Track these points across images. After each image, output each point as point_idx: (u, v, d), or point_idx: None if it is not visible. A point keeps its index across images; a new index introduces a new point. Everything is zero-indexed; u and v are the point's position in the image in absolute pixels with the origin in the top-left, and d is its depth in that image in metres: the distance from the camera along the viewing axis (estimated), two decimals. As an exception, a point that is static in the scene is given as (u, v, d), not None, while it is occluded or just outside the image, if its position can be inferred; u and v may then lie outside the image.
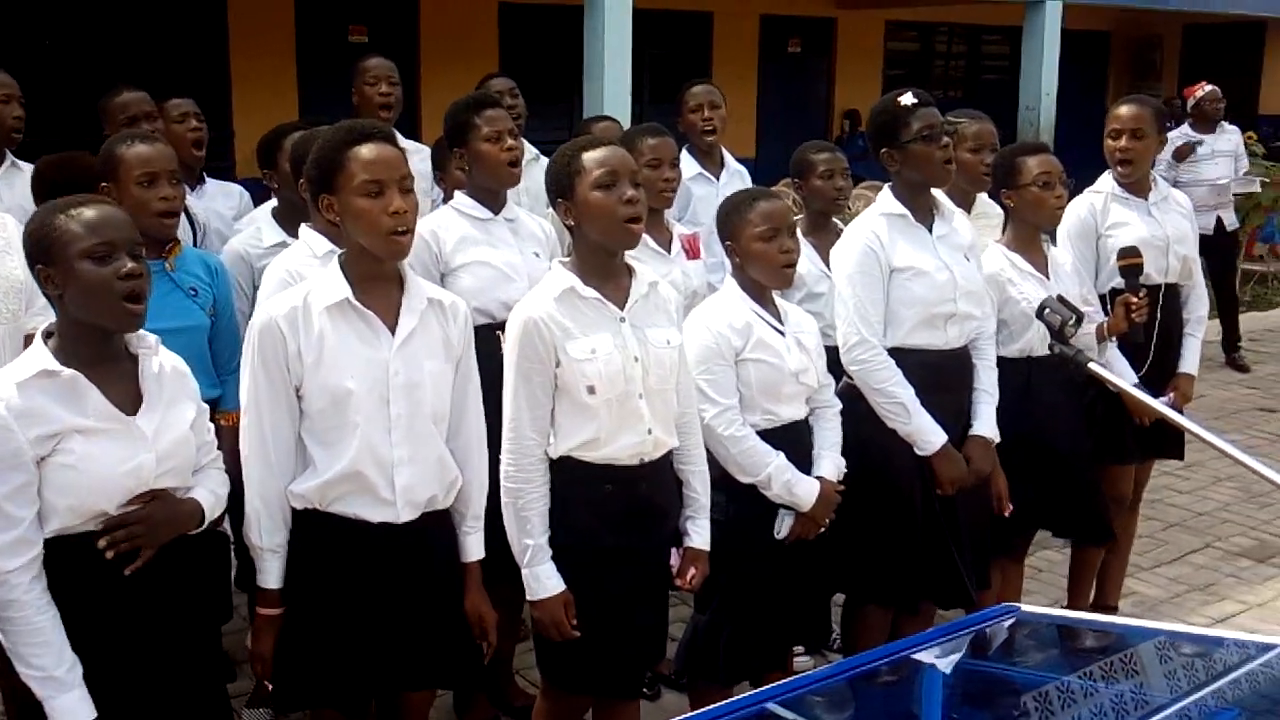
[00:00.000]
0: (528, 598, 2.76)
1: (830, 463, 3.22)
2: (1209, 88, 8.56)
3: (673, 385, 2.83)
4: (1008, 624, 2.00)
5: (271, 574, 2.57)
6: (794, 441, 3.17)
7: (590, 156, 2.73)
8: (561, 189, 2.76)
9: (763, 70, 13.82)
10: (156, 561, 2.31)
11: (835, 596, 3.73)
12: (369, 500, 2.53)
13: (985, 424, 3.53)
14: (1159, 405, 2.54)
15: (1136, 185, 4.11)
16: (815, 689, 1.75)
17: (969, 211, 4.07)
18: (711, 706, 1.71)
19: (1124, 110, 4.10)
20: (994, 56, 15.98)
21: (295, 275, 3.06)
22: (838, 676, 1.84)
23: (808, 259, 3.76)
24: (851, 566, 3.45)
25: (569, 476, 2.75)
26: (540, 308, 2.71)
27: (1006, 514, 3.63)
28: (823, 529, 3.21)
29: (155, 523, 2.30)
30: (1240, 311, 9.04)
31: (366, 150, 2.46)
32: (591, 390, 2.69)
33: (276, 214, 3.72)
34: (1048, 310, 2.23)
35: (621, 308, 2.76)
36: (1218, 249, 8.52)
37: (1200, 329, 4.26)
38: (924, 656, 1.84)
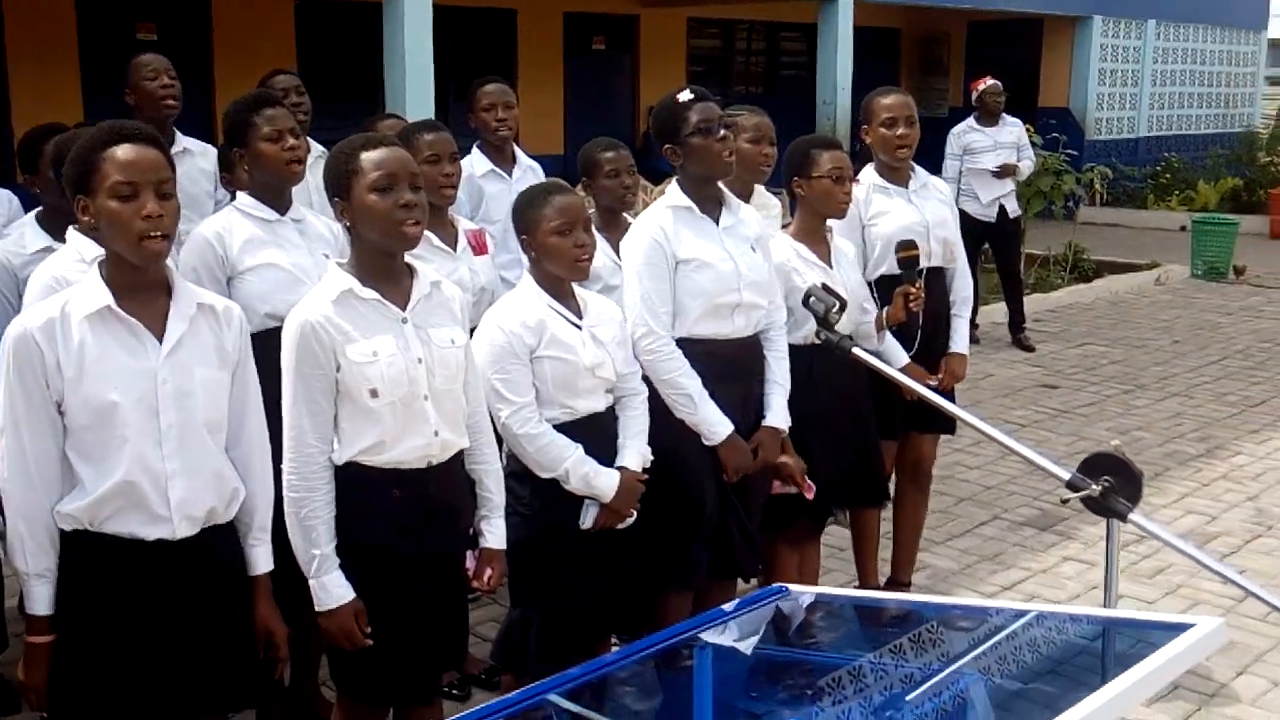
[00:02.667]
0: (316, 609, 2.69)
1: (634, 452, 3.25)
2: (991, 82, 8.96)
3: (460, 385, 2.81)
4: (778, 603, 2.06)
5: (40, 600, 2.44)
6: (596, 433, 3.19)
7: (368, 157, 2.67)
8: (338, 189, 2.70)
9: (568, 67, 13.86)
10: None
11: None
12: (142, 517, 2.42)
13: (777, 415, 3.62)
14: (919, 387, 2.65)
15: (898, 174, 4.28)
16: (592, 677, 1.78)
17: (748, 201, 4.18)
18: (493, 700, 1.71)
19: (895, 99, 4.23)
20: (792, 53, 16.41)
21: (62, 282, 2.93)
22: (614, 664, 1.86)
23: (601, 252, 3.79)
24: (649, 554, 3.50)
25: (355, 482, 2.70)
26: (317, 310, 2.65)
27: (810, 496, 3.74)
28: (628, 518, 3.24)
29: None
30: (1024, 294, 9.53)
31: (122, 151, 2.36)
32: (374, 393, 2.64)
33: (41, 219, 3.56)
34: (813, 298, 2.31)
35: (403, 309, 2.72)
36: (1002, 235, 8.98)
37: (966, 309, 4.46)
38: (696, 638, 1.89)
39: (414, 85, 8.75)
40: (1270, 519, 5.58)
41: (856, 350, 2.27)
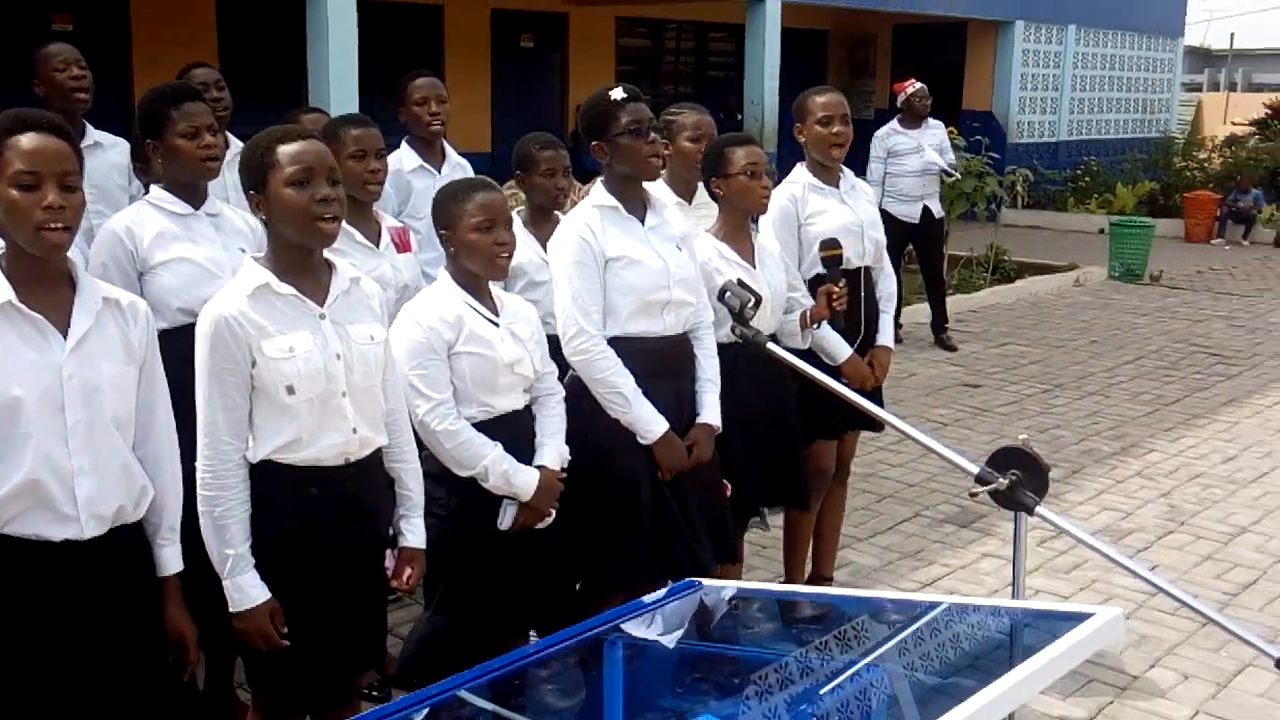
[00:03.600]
0: (230, 609, 2.64)
1: (552, 451, 3.23)
2: (917, 85, 9.05)
3: (379, 382, 2.78)
4: (692, 597, 2.07)
5: None
6: (514, 431, 3.17)
7: (285, 151, 2.62)
8: (253, 182, 2.64)
9: (496, 65, 13.80)
10: None
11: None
12: (48, 516, 2.35)
13: (710, 412, 3.62)
14: (834, 383, 2.66)
15: (829, 174, 4.30)
16: (504, 672, 1.77)
17: (690, 200, 4.18)
18: (403, 697, 1.69)
19: (830, 98, 4.22)
20: (721, 53, 16.51)
21: None
22: (526, 658, 1.85)
23: (529, 248, 3.78)
24: (586, 556, 3.49)
25: (270, 480, 2.65)
26: (232, 305, 2.60)
27: (727, 495, 3.75)
28: (548, 517, 3.22)
29: None
30: (947, 295, 9.66)
31: (26, 140, 2.29)
32: (291, 390, 2.60)
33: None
34: (728, 294, 2.32)
35: (321, 304, 2.68)
36: (926, 236, 9.09)
37: (891, 305, 4.52)
38: (608, 633, 1.89)
39: (338, 80, 8.66)
40: (1182, 515, 5.72)
41: (771, 346, 2.29)
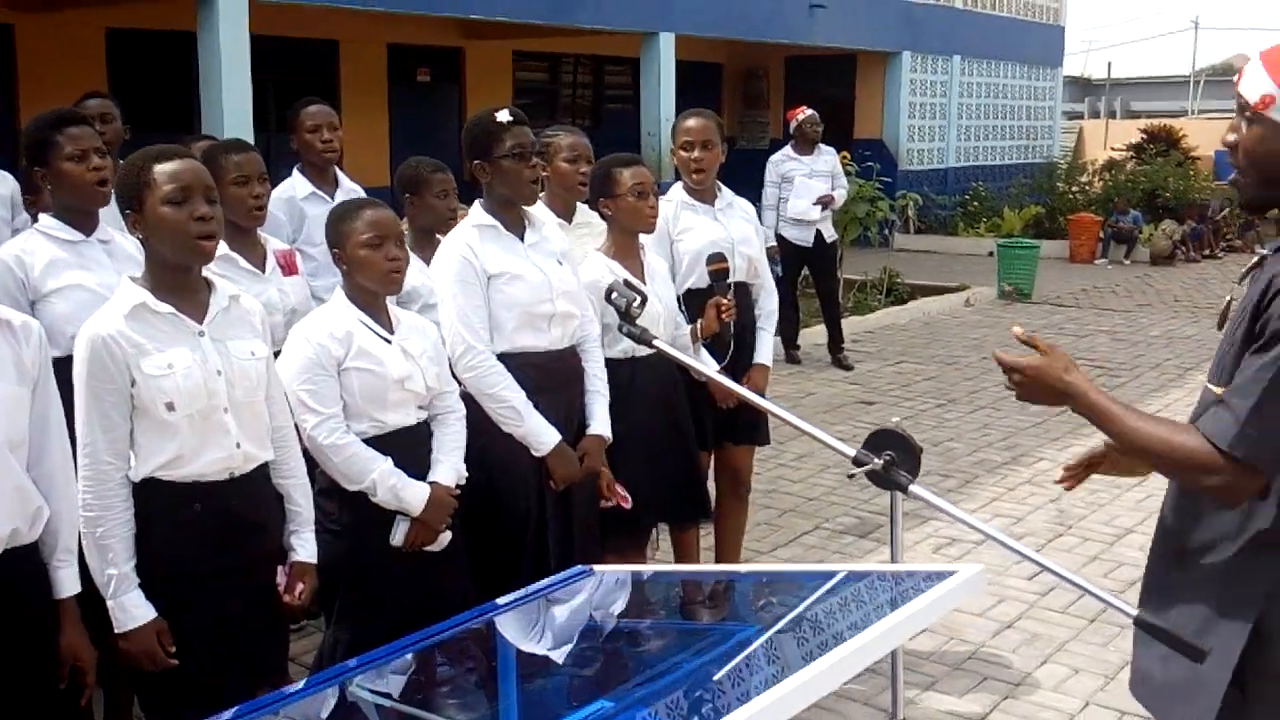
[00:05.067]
0: (115, 630, 2.60)
1: (447, 467, 3.23)
2: (809, 112, 9.25)
3: (262, 397, 2.77)
4: (582, 581, 2.11)
5: None
6: (408, 447, 3.17)
7: (161, 170, 2.61)
8: (129, 201, 2.63)
9: (393, 99, 13.80)
10: None
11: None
12: None
13: (600, 423, 3.67)
14: (739, 388, 2.72)
15: (704, 192, 4.43)
16: (391, 661, 1.78)
17: (570, 220, 4.24)
18: (289, 686, 1.70)
19: (695, 123, 4.39)
20: (618, 86, 16.69)
21: None
22: (419, 644, 1.87)
23: (422, 273, 3.80)
24: (484, 570, 3.49)
25: (154, 498, 2.63)
26: (109, 325, 2.58)
27: (626, 505, 3.79)
28: (441, 535, 3.23)
29: None
30: (843, 316, 9.86)
31: None
32: (171, 407, 2.59)
33: None
34: (614, 294, 2.37)
35: (200, 322, 2.67)
36: (820, 260, 9.28)
37: (771, 323, 4.61)
38: (500, 618, 1.92)
39: (232, 114, 8.60)
40: (1070, 519, 5.90)
41: (657, 343, 2.35)
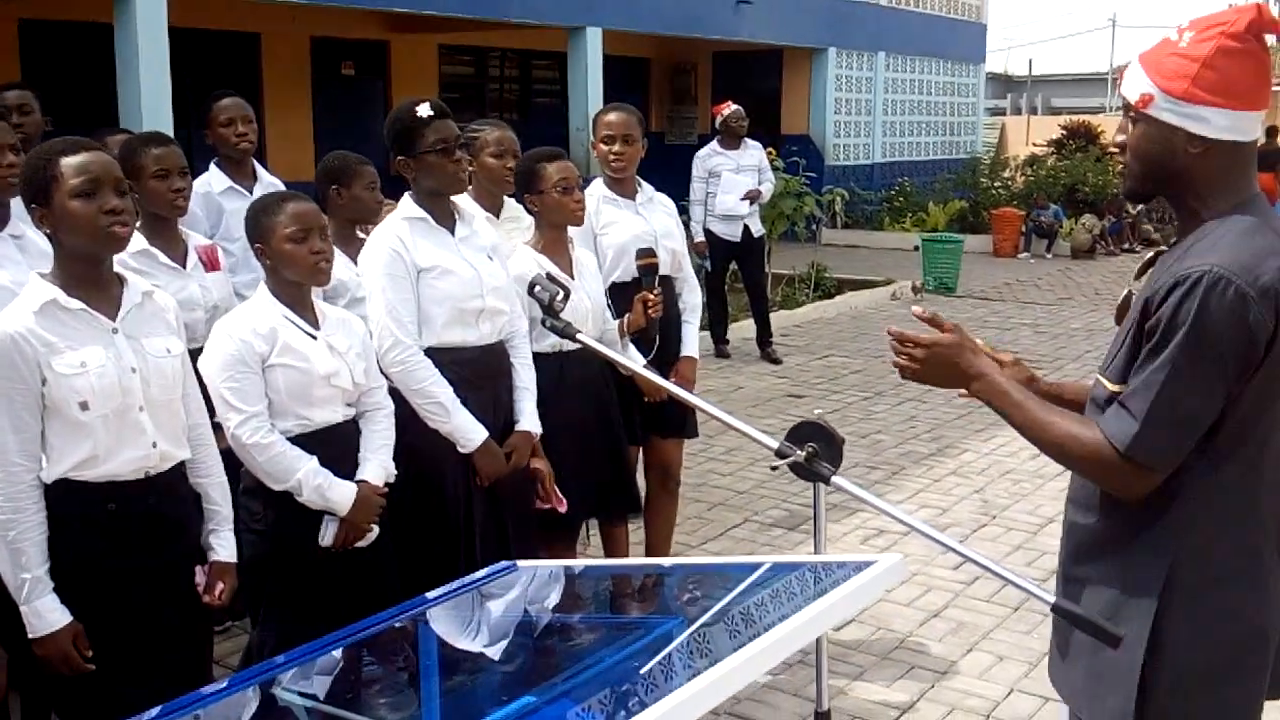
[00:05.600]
0: (29, 635, 2.53)
1: (375, 465, 3.20)
2: (734, 107, 9.29)
3: (178, 395, 2.72)
4: (507, 577, 2.10)
5: None
6: (335, 445, 3.13)
7: (69, 163, 2.55)
8: (36, 196, 2.56)
9: (317, 93, 13.61)
10: None
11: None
12: None
13: (528, 419, 3.66)
14: (664, 382, 2.72)
15: (625, 187, 4.44)
16: (320, 660, 1.76)
17: (498, 215, 4.22)
18: (210, 686, 1.67)
19: (615, 117, 4.40)
20: (545, 80, 16.63)
21: None
22: (344, 641, 1.85)
23: (348, 268, 3.75)
24: (413, 569, 3.46)
25: (67, 499, 2.57)
26: (18, 322, 2.51)
27: (562, 509, 3.77)
28: (369, 534, 3.19)
29: None
30: (771, 310, 9.93)
31: None
32: (85, 406, 2.53)
33: None
34: (537, 287, 2.36)
35: (113, 319, 2.61)
36: (748, 254, 9.33)
37: (696, 316, 4.63)
38: (425, 614, 1.90)
39: (151, 108, 8.44)
40: (994, 509, 5.99)
41: (580, 336, 2.34)
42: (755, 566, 1.95)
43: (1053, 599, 1.82)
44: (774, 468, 2.00)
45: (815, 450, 1.98)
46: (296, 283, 3.10)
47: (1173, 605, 2.00)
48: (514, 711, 1.57)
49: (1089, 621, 1.77)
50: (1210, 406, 1.93)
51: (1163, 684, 2.00)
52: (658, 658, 1.50)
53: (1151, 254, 2.19)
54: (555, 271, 3.83)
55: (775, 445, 2.00)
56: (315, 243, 3.07)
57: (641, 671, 1.47)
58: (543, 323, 2.38)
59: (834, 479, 1.96)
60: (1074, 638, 2.11)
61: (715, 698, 1.27)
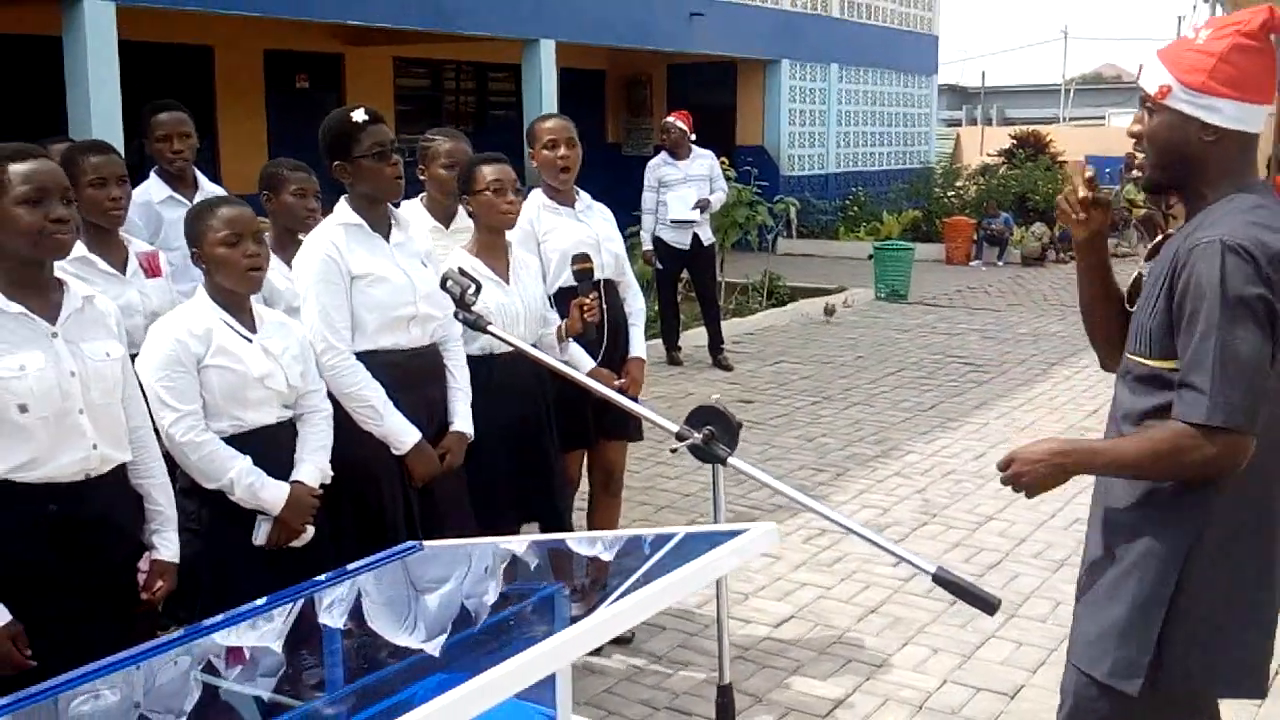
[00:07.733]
0: (-33, 638, 2.58)
1: (310, 467, 3.25)
2: (669, 119, 9.46)
3: (119, 398, 2.77)
4: (411, 557, 2.17)
5: None
6: (269, 446, 3.18)
7: (16, 170, 2.60)
8: None
9: (271, 105, 13.61)
10: None
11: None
12: None
13: (462, 420, 3.72)
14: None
15: (563, 195, 4.47)
16: (210, 636, 1.81)
17: (448, 225, 4.27)
18: (106, 659, 1.72)
19: (555, 123, 4.43)
20: (501, 92, 16.70)
21: None
22: (247, 616, 1.91)
23: (285, 276, 3.80)
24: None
25: (8, 500, 2.60)
26: None
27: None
28: (303, 534, 3.24)
29: None
30: (724, 318, 10.03)
31: None
32: (24, 409, 2.57)
33: None
34: (449, 281, 2.43)
35: (53, 323, 2.66)
36: (698, 262, 9.44)
37: (640, 319, 4.69)
38: (329, 592, 1.97)
39: (100, 121, 8.44)
40: (935, 508, 6.11)
41: (491, 328, 2.42)
42: (642, 538, 2.04)
43: (932, 569, 1.92)
44: (673, 450, 2.09)
45: (713, 433, 2.06)
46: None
47: (1199, 563, 2.15)
48: (391, 675, 1.63)
49: (965, 588, 1.86)
50: (1264, 351, 2.07)
51: (1178, 638, 2.16)
52: (529, 620, 1.58)
53: (1160, 237, 2.34)
54: (482, 269, 3.89)
55: (675, 429, 2.08)
56: (248, 247, 3.13)
57: (512, 635, 1.54)
58: (455, 315, 2.45)
59: (730, 460, 2.04)
60: (1087, 596, 2.24)
61: (577, 651, 1.35)
